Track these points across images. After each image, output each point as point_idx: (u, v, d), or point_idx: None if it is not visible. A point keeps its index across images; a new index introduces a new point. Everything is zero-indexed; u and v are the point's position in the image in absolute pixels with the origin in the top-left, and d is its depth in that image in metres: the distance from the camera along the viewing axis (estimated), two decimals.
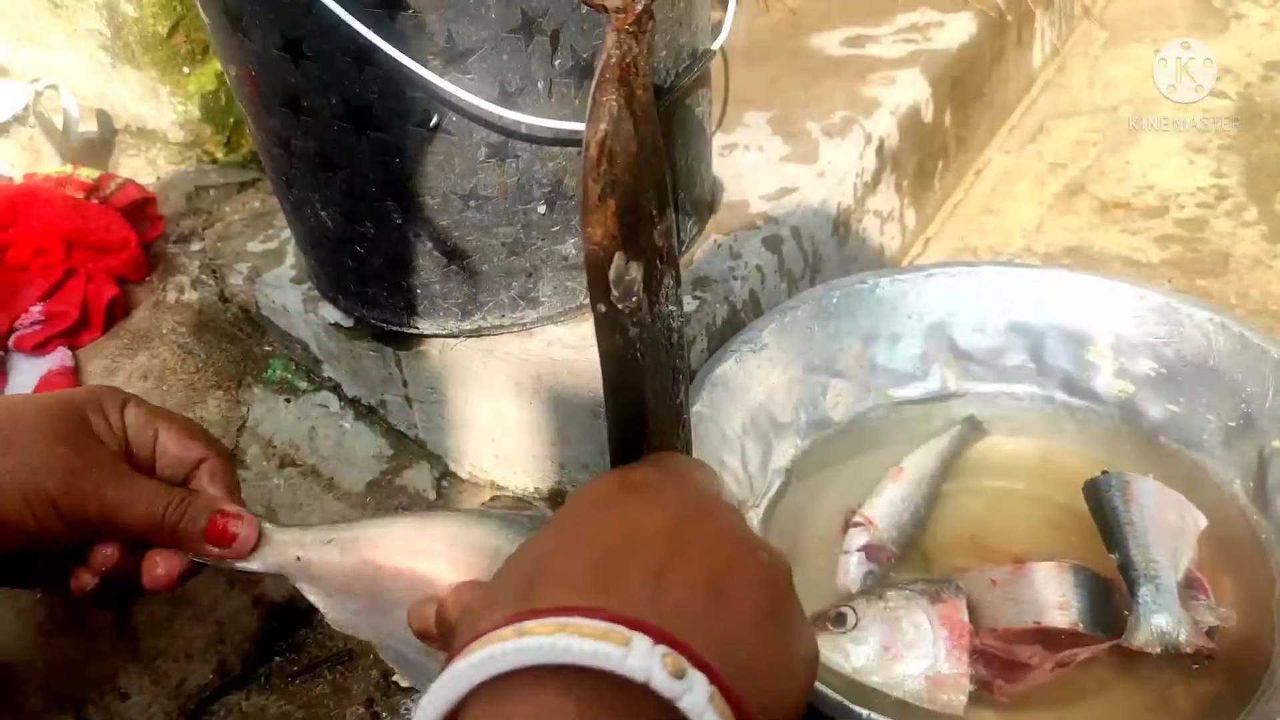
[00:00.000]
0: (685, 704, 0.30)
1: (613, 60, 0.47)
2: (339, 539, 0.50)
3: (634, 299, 0.50)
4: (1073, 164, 1.38)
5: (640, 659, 0.30)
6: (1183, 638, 0.68)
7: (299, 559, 0.50)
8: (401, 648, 0.48)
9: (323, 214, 0.86)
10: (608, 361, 0.52)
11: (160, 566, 0.49)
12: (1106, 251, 1.22)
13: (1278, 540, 0.75)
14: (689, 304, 0.87)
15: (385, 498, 0.98)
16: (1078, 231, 1.26)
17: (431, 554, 0.48)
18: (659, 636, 0.31)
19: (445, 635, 0.42)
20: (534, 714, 0.30)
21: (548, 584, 0.35)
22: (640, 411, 0.53)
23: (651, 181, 0.50)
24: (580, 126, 0.79)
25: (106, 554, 0.49)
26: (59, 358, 1.02)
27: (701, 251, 0.95)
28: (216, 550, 0.49)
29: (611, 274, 0.49)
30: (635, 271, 0.50)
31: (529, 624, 0.31)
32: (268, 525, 0.51)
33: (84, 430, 0.48)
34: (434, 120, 0.76)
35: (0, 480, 0.45)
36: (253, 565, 0.51)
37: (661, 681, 0.30)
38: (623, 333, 0.51)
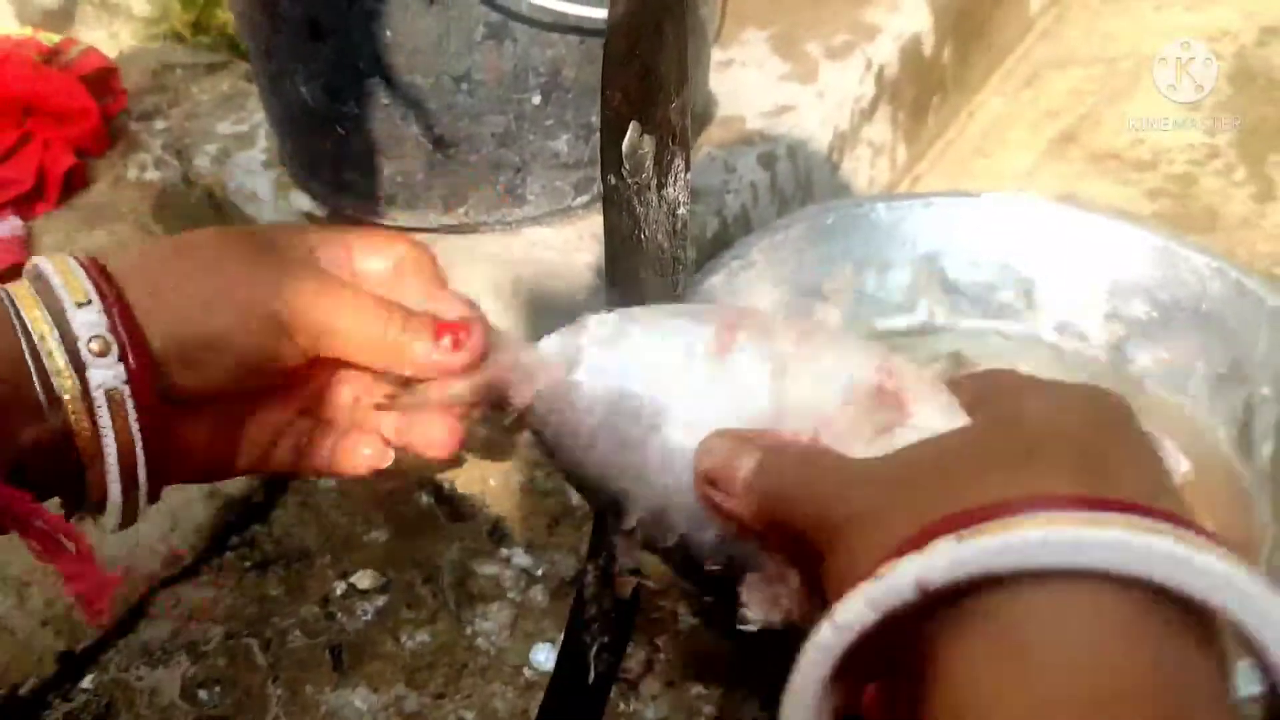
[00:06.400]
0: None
1: None
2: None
3: (644, 174, 0.48)
4: (1067, 112, 1.36)
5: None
6: None
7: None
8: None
9: (303, 89, 0.81)
10: (610, 241, 0.49)
11: (366, 446, 0.41)
12: (1096, 201, 1.20)
13: (1260, 488, 0.75)
14: None
15: None
16: (1069, 180, 1.24)
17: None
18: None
19: (734, 496, 0.35)
20: (1101, 617, 0.26)
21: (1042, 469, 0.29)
22: (639, 298, 0.51)
23: (675, 49, 0.47)
24: (583, 11, 0.75)
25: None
26: (9, 226, 0.96)
27: (694, 163, 0.92)
28: (441, 360, 0.39)
29: (625, 145, 0.46)
30: (648, 145, 0.47)
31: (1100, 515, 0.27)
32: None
33: (280, 246, 0.40)
34: None
35: (211, 300, 0.37)
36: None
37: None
38: (629, 210, 0.48)
